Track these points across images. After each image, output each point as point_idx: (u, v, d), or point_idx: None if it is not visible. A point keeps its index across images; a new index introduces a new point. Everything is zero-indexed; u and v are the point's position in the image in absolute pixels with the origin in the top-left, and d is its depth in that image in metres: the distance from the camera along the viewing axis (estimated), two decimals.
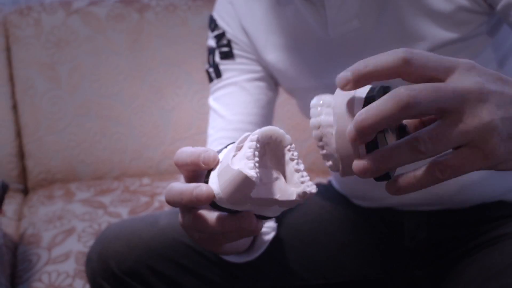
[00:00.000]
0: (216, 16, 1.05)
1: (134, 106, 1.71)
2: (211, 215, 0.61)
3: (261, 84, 1.04)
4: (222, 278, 1.04)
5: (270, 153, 0.61)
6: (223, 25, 1.04)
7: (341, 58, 0.94)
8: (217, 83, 1.04)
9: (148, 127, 1.73)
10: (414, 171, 0.51)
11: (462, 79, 0.50)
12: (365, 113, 0.49)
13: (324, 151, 0.56)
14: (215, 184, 0.58)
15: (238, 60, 1.03)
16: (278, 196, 0.58)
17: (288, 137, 0.60)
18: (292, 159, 0.60)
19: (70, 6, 1.67)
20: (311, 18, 0.93)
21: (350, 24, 0.90)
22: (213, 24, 1.05)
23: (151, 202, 1.54)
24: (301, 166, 0.60)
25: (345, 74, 0.51)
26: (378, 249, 1.08)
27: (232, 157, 0.57)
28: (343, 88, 0.52)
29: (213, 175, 0.59)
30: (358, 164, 0.51)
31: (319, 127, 0.55)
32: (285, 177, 0.60)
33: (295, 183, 0.59)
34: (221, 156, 0.61)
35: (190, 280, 1.04)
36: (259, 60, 1.03)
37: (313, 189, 0.58)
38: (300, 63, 0.98)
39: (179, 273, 1.03)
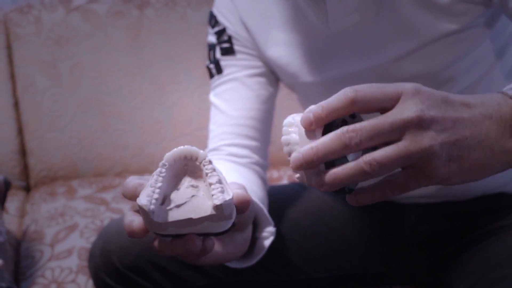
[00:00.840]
0: (216, 12, 1.05)
1: (134, 102, 1.71)
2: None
3: (262, 79, 1.04)
4: (224, 272, 1.05)
5: (191, 172, 0.64)
6: (223, 21, 1.04)
7: (342, 52, 0.94)
8: (218, 79, 1.05)
9: (149, 124, 1.73)
10: (370, 187, 0.57)
11: (403, 109, 0.55)
12: (313, 146, 0.56)
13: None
14: None
15: (239, 56, 1.03)
16: (193, 215, 0.62)
17: (202, 153, 0.63)
18: (206, 174, 0.62)
19: (70, 4, 1.67)
20: (311, 12, 0.94)
21: (350, 17, 0.91)
22: (213, 20, 1.05)
23: None
24: (213, 179, 0.62)
25: (307, 115, 0.57)
26: (380, 242, 1.09)
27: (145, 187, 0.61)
28: (309, 127, 0.57)
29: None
30: (315, 180, 0.57)
31: (288, 144, 0.59)
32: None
33: (211, 197, 0.62)
34: None
35: (192, 275, 1.04)
36: (260, 55, 1.04)
37: (220, 199, 0.61)
38: (301, 58, 0.99)
39: (182, 268, 1.04)
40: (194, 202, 0.62)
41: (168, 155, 0.63)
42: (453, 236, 1.05)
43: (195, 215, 0.62)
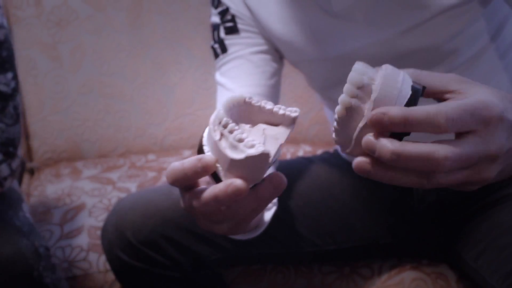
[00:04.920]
0: None
1: (136, 83, 1.72)
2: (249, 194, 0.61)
3: (267, 56, 1.05)
4: (236, 245, 1.07)
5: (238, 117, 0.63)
6: (226, 1, 1.04)
7: (346, 30, 0.95)
8: (223, 58, 1.05)
9: (151, 104, 1.74)
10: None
11: (487, 142, 0.54)
12: (404, 118, 0.53)
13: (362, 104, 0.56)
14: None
15: (243, 34, 1.04)
16: (280, 140, 0.61)
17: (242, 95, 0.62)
18: (262, 106, 0.62)
19: None
20: None
21: None
22: (216, 1, 1.05)
23: (158, 177, 1.56)
24: (270, 105, 0.62)
25: (380, 117, 0.54)
26: (388, 213, 1.11)
27: (225, 150, 0.58)
28: (378, 130, 0.54)
29: (223, 174, 0.59)
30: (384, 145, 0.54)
31: (361, 88, 0.56)
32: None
33: (281, 117, 0.62)
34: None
35: (205, 249, 1.06)
36: (263, 33, 1.04)
37: (293, 112, 0.62)
38: (305, 35, 0.99)
39: (195, 242, 1.05)
40: (268, 134, 0.61)
41: (222, 109, 0.60)
42: (460, 206, 1.07)
43: (282, 140, 0.61)
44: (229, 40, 1.04)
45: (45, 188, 1.54)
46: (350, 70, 0.56)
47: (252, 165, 0.57)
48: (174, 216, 1.04)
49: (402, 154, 0.52)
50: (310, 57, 1.01)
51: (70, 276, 1.22)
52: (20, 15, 1.65)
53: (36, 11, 1.65)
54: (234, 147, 0.57)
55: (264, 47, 1.04)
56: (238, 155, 0.57)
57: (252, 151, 0.56)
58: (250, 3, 1.01)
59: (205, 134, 0.62)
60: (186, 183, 0.61)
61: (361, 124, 0.55)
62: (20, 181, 1.21)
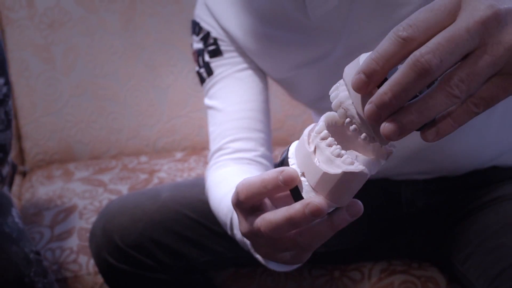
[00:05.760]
0: (198, 19, 1.04)
1: (129, 85, 1.72)
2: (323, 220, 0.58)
3: (253, 72, 1.03)
4: (225, 248, 1.07)
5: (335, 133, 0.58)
6: (206, 26, 1.03)
7: (325, 41, 0.93)
8: (209, 82, 1.03)
9: (143, 106, 1.74)
10: (452, 112, 0.49)
11: (472, 12, 0.47)
12: (386, 89, 0.48)
13: (353, 126, 0.53)
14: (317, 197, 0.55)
15: (226, 55, 1.02)
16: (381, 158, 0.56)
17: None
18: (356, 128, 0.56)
19: None
20: (288, 3, 0.92)
21: (329, 2, 0.88)
22: (197, 28, 1.04)
23: (150, 179, 1.56)
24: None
25: (358, 77, 0.49)
26: (378, 218, 1.11)
27: (318, 163, 0.55)
28: (365, 91, 0.50)
29: (306, 190, 0.56)
30: (391, 127, 0.49)
31: (340, 105, 0.53)
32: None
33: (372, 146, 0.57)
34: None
35: (194, 252, 1.06)
36: (246, 53, 1.03)
37: (388, 145, 0.56)
38: (282, 53, 0.98)
39: (183, 245, 1.05)
40: (360, 161, 0.56)
41: (325, 122, 0.56)
42: (448, 210, 1.07)
43: (373, 171, 0.56)
44: (214, 63, 1.03)
45: (37, 190, 1.54)
46: (334, 82, 0.55)
47: (345, 183, 0.54)
48: (162, 219, 1.04)
49: (391, 87, 0.47)
50: (290, 73, 1.00)
51: (60, 278, 1.22)
52: (12, 16, 1.64)
53: (29, 12, 1.65)
54: (329, 162, 0.54)
55: (249, 65, 1.03)
56: (333, 170, 0.54)
57: (352, 168, 0.53)
58: (226, 27, 1.00)
59: (292, 147, 0.59)
60: (260, 199, 0.59)
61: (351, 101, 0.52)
62: (11, 184, 1.21)
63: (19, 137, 1.72)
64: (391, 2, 0.86)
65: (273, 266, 0.74)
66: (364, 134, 0.53)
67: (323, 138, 0.55)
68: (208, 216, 1.04)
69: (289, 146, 0.60)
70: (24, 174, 1.73)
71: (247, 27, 0.99)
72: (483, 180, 1.05)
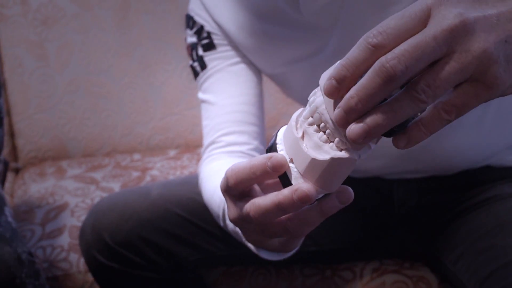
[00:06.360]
0: (192, 13, 1.04)
1: (123, 82, 1.72)
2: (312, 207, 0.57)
3: (246, 66, 1.03)
4: (216, 247, 1.06)
5: None
6: (200, 20, 1.03)
7: (317, 37, 0.93)
8: (203, 75, 1.03)
9: (137, 103, 1.74)
10: (424, 119, 0.49)
11: (440, 20, 0.47)
12: (353, 94, 0.48)
13: (328, 131, 0.53)
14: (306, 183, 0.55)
15: (219, 48, 1.02)
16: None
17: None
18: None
19: None
20: (282, 1, 0.92)
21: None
22: (191, 22, 1.04)
23: (143, 177, 1.55)
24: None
25: (329, 83, 0.50)
26: (370, 217, 1.10)
27: (307, 149, 0.54)
28: (336, 96, 0.50)
29: (295, 176, 0.56)
30: (358, 130, 0.49)
31: (316, 110, 0.53)
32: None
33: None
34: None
35: (184, 250, 1.06)
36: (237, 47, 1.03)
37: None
38: (275, 48, 0.97)
39: (173, 243, 1.05)
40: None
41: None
42: (441, 210, 1.06)
43: (364, 155, 0.54)
44: (207, 56, 1.03)
45: (29, 187, 1.54)
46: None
47: (334, 170, 0.53)
48: (152, 217, 1.04)
49: (358, 92, 0.48)
50: (283, 68, 1.00)
51: (50, 276, 1.21)
52: (6, 13, 1.64)
53: (22, 9, 1.64)
54: (318, 148, 0.54)
55: (242, 59, 1.03)
56: (321, 156, 0.53)
57: (340, 154, 0.52)
58: (220, 22, 1.00)
59: (281, 133, 0.59)
60: (249, 185, 0.59)
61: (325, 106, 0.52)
62: (3, 182, 1.20)
63: (12, 134, 1.72)
64: (383, 2, 0.85)
65: (264, 254, 0.73)
66: (337, 139, 0.53)
67: (311, 124, 0.54)
68: (198, 215, 1.04)
69: (278, 132, 0.59)
70: (17, 171, 1.73)
71: (240, 21, 0.98)
72: (476, 180, 1.04)
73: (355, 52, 0.48)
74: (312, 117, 0.54)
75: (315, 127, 0.54)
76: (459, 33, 0.47)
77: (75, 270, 1.22)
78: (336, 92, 0.50)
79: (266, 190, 0.62)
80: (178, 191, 1.08)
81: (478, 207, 1.00)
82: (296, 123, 0.56)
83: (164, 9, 1.70)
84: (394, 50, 0.47)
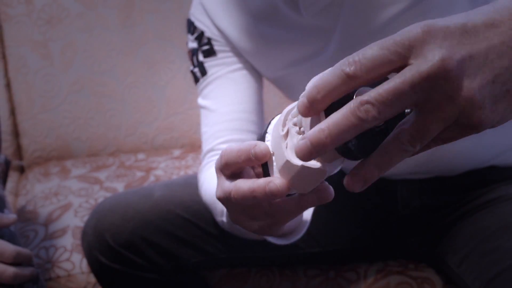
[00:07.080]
0: (193, 18, 1.04)
1: (127, 82, 1.71)
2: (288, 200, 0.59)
3: (246, 72, 1.03)
4: (217, 248, 1.06)
5: None
6: (200, 26, 1.03)
7: (318, 39, 0.92)
8: (203, 81, 1.03)
9: (142, 103, 1.73)
10: (385, 146, 0.48)
11: (420, 63, 0.44)
12: (324, 128, 0.47)
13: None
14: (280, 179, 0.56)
15: (220, 55, 1.02)
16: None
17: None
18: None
19: None
20: (282, 4, 0.92)
21: (321, 0, 0.88)
22: (192, 27, 1.04)
23: (147, 177, 1.55)
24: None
25: (302, 101, 0.49)
26: (374, 218, 1.10)
27: (285, 149, 0.54)
28: (307, 115, 0.50)
29: (274, 170, 0.56)
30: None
31: (297, 114, 0.53)
32: None
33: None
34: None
35: (186, 251, 1.05)
36: (238, 52, 1.03)
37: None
38: (276, 50, 0.97)
39: (175, 245, 1.04)
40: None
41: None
42: (445, 211, 1.05)
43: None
44: (208, 63, 1.03)
45: (33, 187, 1.54)
46: None
47: (305, 176, 0.53)
48: (154, 218, 1.04)
49: (329, 127, 0.47)
50: (284, 71, 0.99)
51: (53, 277, 1.21)
52: (10, 12, 1.64)
53: (27, 8, 1.64)
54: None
55: (243, 65, 1.03)
56: (295, 160, 0.53)
57: (310, 163, 0.52)
58: (221, 26, 1.00)
59: (274, 122, 0.59)
60: (236, 167, 0.59)
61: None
62: (5, 182, 1.19)
63: (16, 134, 1.72)
64: (382, 1, 0.85)
65: (272, 240, 0.76)
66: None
67: (295, 124, 0.54)
68: (200, 216, 1.04)
69: (272, 119, 0.60)
70: (21, 171, 1.73)
71: (241, 25, 0.98)
72: (480, 181, 1.03)
73: (329, 76, 0.47)
74: (297, 116, 0.54)
75: (297, 128, 0.54)
76: (439, 81, 0.44)
77: (78, 271, 1.22)
78: (307, 111, 0.49)
79: (260, 175, 0.62)
80: (181, 193, 1.08)
81: (483, 208, 0.99)
82: (285, 118, 0.56)
83: (168, 8, 1.70)
84: (370, 92, 0.45)
